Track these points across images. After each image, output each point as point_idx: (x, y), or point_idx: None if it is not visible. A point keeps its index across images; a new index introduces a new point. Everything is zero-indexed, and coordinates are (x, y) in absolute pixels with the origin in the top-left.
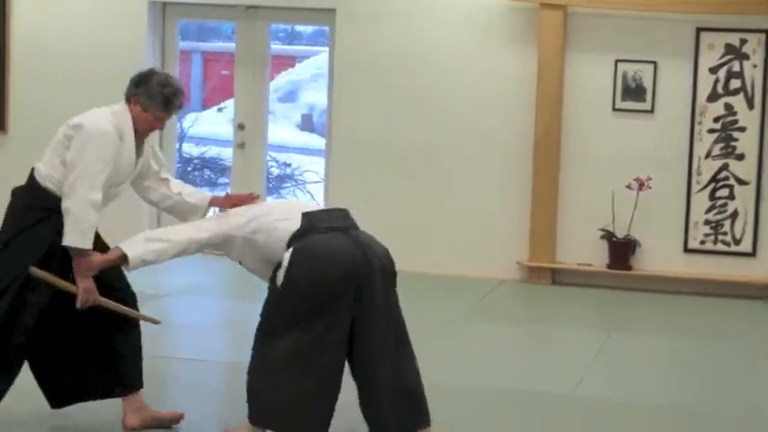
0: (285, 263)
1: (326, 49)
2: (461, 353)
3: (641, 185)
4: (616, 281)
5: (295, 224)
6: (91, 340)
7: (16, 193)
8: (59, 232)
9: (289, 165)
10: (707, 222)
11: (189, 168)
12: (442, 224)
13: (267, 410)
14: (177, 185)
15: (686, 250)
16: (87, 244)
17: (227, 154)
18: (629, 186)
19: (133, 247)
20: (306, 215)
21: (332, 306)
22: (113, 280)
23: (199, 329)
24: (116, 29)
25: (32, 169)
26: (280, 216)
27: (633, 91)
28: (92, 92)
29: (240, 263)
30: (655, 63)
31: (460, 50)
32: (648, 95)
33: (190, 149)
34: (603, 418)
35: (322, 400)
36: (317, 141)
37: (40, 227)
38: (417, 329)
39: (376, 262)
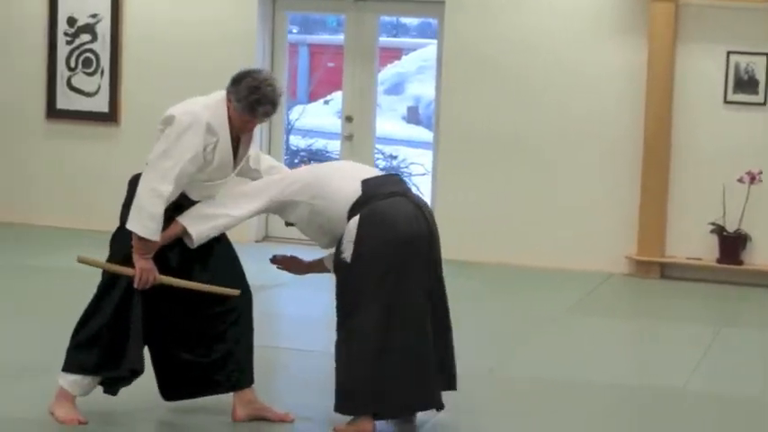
0: (352, 233)
1: (432, 41)
2: (569, 347)
3: (753, 179)
4: (726, 275)
5: (355, 192)
6: (204, 335)
7: (132, 181)
8: (171, 218)
9: (395, 157)
10: None
11: (296, 160)
12: (550, 217)
13: (366, 397)
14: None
15: None
16: (148, 233)
17: (333, 146)
18: (740, 180)
19: (196, 225)
20: (365, 182)
21: (409, 271)
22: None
23: (305, 321)
24: (227, 21)
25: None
26: (339, 183)
27: (745, 83)
28: (202, 84)
29: (293, 224)
30: (767, 55)
31: (570, 42)
32: (761, 88)
33: (297, 141)
34: (713, 413)
35: (420, 370)
36: (423, 134)
37: None
38: (525, 323)
39: (435, 226)
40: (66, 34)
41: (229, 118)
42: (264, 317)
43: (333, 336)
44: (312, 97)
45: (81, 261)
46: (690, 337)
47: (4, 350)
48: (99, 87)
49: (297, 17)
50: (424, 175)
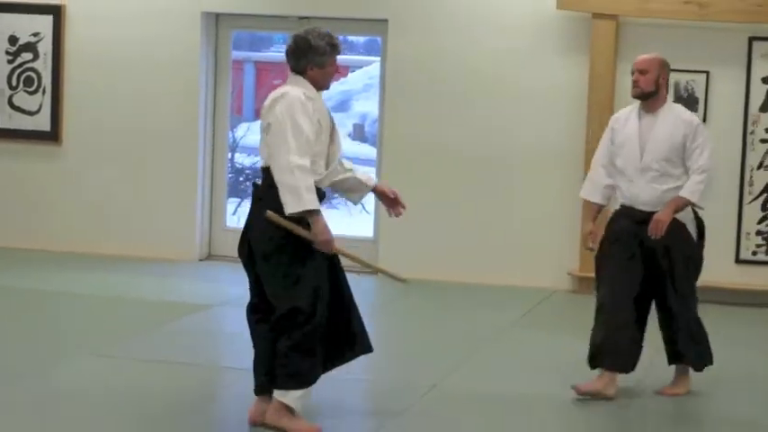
0: None
1: (378, 58)
2: (511, 363)
3: None
4: None
5: None
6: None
7: (262, 195)
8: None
9: None
10: (759, 233)
11: (241, 178)
12: (494, 234)
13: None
14: (348, 163)
15: (738, 261)
16: (308, 204)
17: None
18: None
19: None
20: None
21: None
22: None
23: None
24: (170, 40)
25: (263, 169)
26: None
27: (685, 101)
28: (145, 103)
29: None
30: (707, 73)
31: (512, 60)
32: (701, 105)
33: (242, 159)
34: (655, 427)
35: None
36: (369, 151)
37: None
38: (466, 339)
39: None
40: (7, 53)
41: (316, 84)
42: (209, 336)
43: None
44: (258, 115)
45: (269, 219)
46: None
47: None
48: (41, 106)
49: (244, 34)
50: None
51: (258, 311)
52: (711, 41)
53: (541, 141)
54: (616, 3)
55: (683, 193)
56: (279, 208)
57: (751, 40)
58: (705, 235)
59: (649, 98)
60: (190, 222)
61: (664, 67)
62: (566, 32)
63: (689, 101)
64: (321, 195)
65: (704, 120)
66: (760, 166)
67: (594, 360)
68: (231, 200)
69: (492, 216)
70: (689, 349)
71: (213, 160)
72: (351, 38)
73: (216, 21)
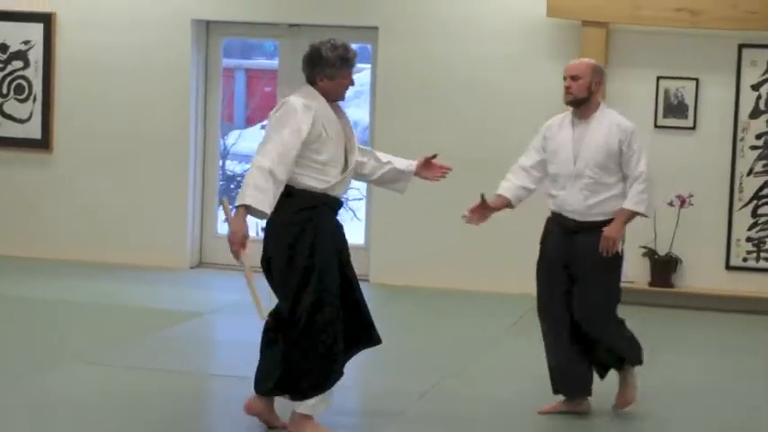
0: None
1: (368, 66)
2: (504, 370)
3: (683, 202)
4: (658, 298)
5: None
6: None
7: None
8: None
9: None
10: (749, 239)
11: (232, 186)
12: (485, 240)
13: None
14: (384, 156)
15: (728, 267)
16: (245, 200)
17: None
18: (670, 203)
19: None
20: None
21: None
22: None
23: (240, 347)
24: (160, 47)
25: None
26: None
27: (675, 108)
28: (136, 110)
29: None
30: (697, 80)
31: (502, 67)
32: (690, 112)
33: (233, 167)
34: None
35: None
36: None
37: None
38: (461, 345)
39: None
40: None
41: (326, 95)
42: (200, 343)
43: None
44: (249, 122)
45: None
46: None
47: None
48: (31, 114)
49: (235, 42)
50: (360, 199)
51: (274, 320)
52: (701, 48)
53: None
54: (607, 10)
55: (628, 205)
56: (288, 212)
57: (741, 47)
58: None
59: (582, 104)
60: (181, 230)
61: (597, 73)
62: (556, 39)
63: (679, 108)
64: (334, 202)
65: (693, 127)
66: (750, 173)
67: (554, 386)
68: None
69: (483, 223)
70: (614, 355)
71: (204, 167)
72: None
73: (206, 28)
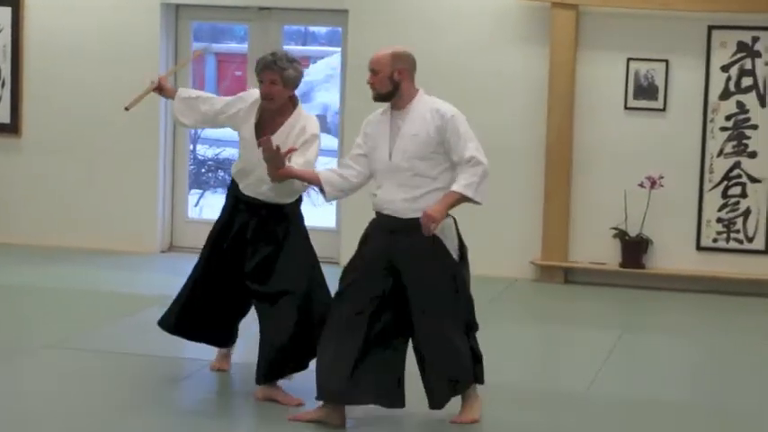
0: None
1: (340, 49)
2: None
3: (653, 184)
4: (629, 279)
5: None
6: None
7: None
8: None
9: None
10: (719, 220)
11: (203, 170)
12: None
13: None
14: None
15: (699, 248)
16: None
17: None
18: (641, 185)
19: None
20: None
21: None
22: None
23: None
24: (129, 31)
25: None
26: None
27: (645, 89)
28: (105, 94)
29: None
30: (667, 61)
31: (472, 50)
32: (660, 94)
33: (204, 151)
34: (616, 416)
35: None
36: (331, 142)
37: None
38: None
39: None
40: None
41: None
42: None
43: (243, 345)
44: None
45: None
46: (593, 341)
47: None
48: (0, 98)
49: (205, 26)
50: None
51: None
52: (671, 30)
53: (503, 131)
54: None
55: (456, 188)
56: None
57: (710, 28)
58: (467, 257)
59: (391, 97)
60: (151, 214)
61: (398, 61)
62: (526, 22)
63: (649, 89)
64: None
65: (664, 108)
66: (720, 154)
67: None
68: (193, 191)
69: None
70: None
71: (174, 151)
72: (312, 28)
73: (176, 12)
